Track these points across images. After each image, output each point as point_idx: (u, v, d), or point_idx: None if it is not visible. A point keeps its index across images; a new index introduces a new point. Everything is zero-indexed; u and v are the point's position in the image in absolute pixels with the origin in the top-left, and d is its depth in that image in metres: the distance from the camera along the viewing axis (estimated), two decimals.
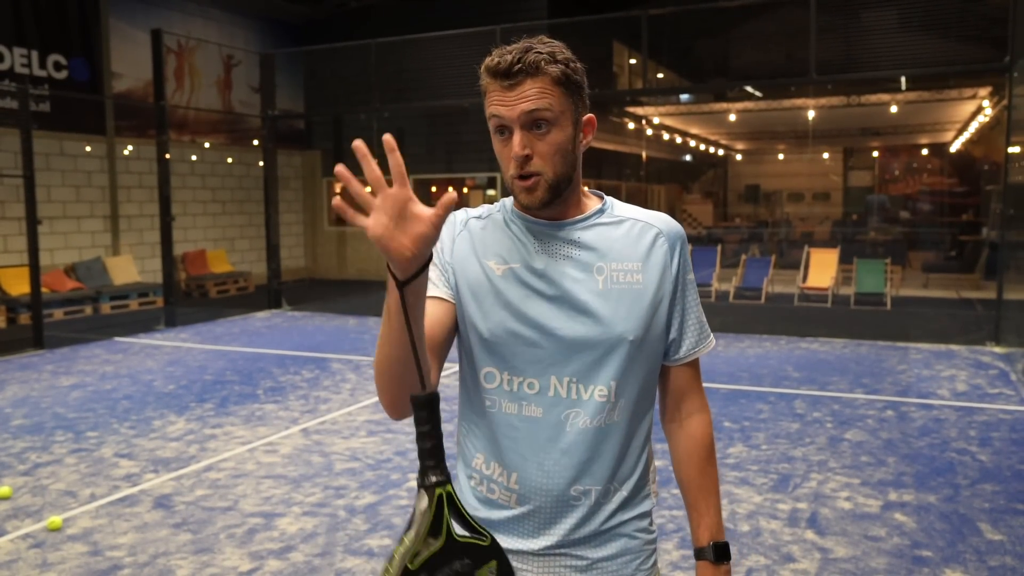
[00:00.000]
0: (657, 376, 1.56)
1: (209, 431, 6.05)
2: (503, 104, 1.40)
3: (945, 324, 10.49)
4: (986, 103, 14.76)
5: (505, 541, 1.50)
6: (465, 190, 17.38)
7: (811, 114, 16.81)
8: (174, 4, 14.79)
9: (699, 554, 1.55)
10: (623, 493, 1.50)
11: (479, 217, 1.56)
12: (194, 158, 15.19)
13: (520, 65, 1.38)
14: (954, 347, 9.14)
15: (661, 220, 1.54)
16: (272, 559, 3.89)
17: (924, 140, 21.49)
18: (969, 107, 15.94)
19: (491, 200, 17.50)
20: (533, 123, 1.39)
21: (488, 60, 1.42)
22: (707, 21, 13.52)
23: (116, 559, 3.89)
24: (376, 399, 7.01)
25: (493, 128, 1.44)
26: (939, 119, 18.39)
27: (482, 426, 1.52)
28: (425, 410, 1.23)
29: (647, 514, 1.56)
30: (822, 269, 12.87)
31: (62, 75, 12.83)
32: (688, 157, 24.35)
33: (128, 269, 13.41)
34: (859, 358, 8.59)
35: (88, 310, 12.26)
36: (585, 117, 1.47)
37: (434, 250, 1.48)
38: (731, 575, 1.53)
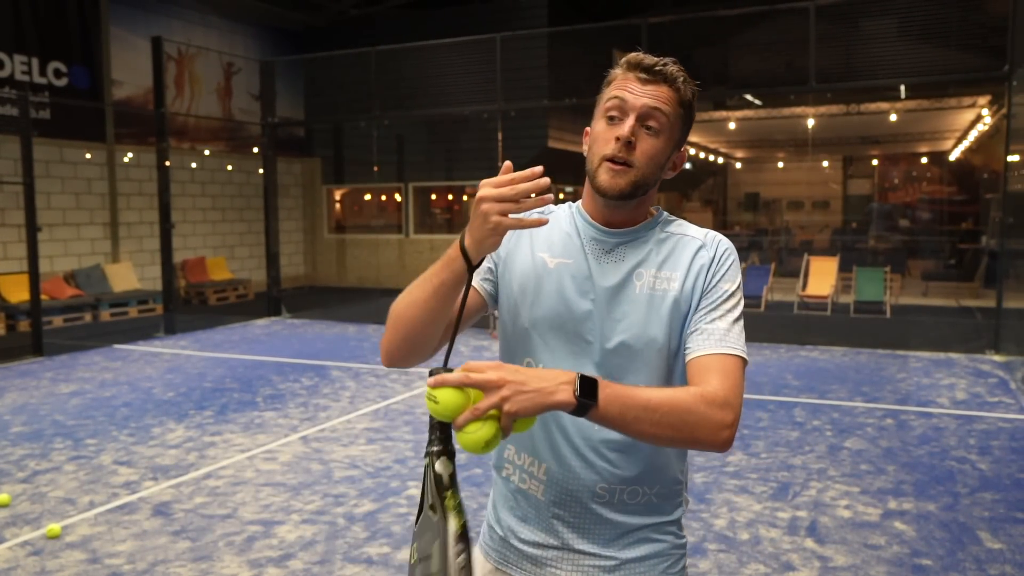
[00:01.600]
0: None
1: (208, 439, 6.04)
2: (632, 92, 1.47)
3: (944, 332, 10.49)
4: (985, 111, 14.80)
5: (536, 535, 1.55)
6: (465, 198, 17.41)
7: (811, 122, 16.86)
8: (174, 12, 14.82)
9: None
10: (651, 497, 1.53)
11: (541, 213, 1.58)
12: (194, 165, 15.21)
13: (663, 68, 1.48)
14: (953, 355, 9.14)
15: (707, 234, 1.58)
16: (271, 567, 3.88)
17: (923, 148, 21.53)
18: (968, 115, 15.98)
19: None
20: (648, 119, 1.47)
21: (629, 55, 1.51)
22: (707, 29, 13.54)
23: (115, 567, 3.88)
24: (375, 406, 7.00)
25: (606, 110, 1.49)
26: (938, 127, 18.42)
27: None
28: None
29: (677, 521, 1.58)
30: (821, 277, 12.88)
31: (62, 82, 12.86)
32: (688, 165, 24.35)
33: (128, 276, 13.41)
34: (858, 366, 8.59)
35: (87, 317, 12.26)
36: (680, 150, 1.56)
37: None
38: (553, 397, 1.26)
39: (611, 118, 1.48)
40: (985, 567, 3.82)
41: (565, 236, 1.57)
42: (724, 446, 1.40)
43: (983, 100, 14.24)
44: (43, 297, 10.92)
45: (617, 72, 1.52)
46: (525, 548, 1.56)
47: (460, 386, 1.25)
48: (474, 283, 1.57)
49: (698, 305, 1.50)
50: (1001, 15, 9.51)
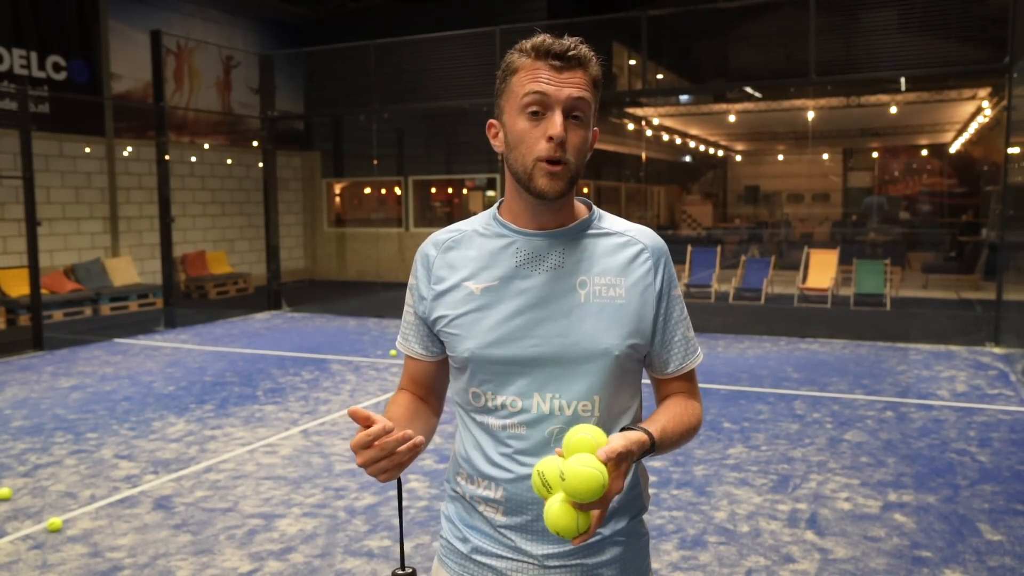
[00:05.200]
0: (639, 389, 1.55)
1: (209, 432, 6.05)
2: (551, 83, 1.38)
3: (945, 325, 10.49)
4: (986, 104, 14.77)
5: (498, 549, 1.50)
6: (464, 191, 17.40)
7: (811, 115, 16.83)
8: (173, 5, 14.80)
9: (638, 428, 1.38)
10: (613, 504, 1.48)
11: (453, 238, 1.54)
12: (193, 159, 15.20)
13: (576, 52, 1.38)
14: (954, 348, 9.15)
15: (646, 235, 1.52)
16: (272, 560, 3.89)
17: (924, 141, 21.50)
18: (969, 108, 15.95)
19: (491, 201, 17.55)
20: (573, 111, 1.39)
21: (534, 40, 1.40)
22: (707, 22, 13.53)
23: (116, 560, 3.89)
24: (375, 400, 7.02)
25: (525, 105, 1.39)
26: (939, 120, 18.40)
27: (469, 442, 1.53)
28: None
29: (639, 518, 1.56)
30: (822, 270, 12.88)
31: (61, 76, 12.84)
32: (688, 158, 24.35)
33: (128, 270, 13.41)
34: (859, 359, 8.59)
35: (88, 311, 12.26)
36: (594, 128, 1.47)
37: (408, 291, 1.58)
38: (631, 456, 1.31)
39: (533, 113, 1.39)
40: (985, 559, 3.83)
41: (488, 255, 1.48)
42: None
43: (983, 92, 14.21)
44: (43, 291, 10.93)
45: (523, 60, 1.41)
46: (487, 560, 1.52)
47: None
48: (414, 354, 1.59)
49: (657, 317, 1.49)
50: (1001, 7, 9.49)
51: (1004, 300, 9.31)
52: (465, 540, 1.55)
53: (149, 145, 12.95)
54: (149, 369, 8.34)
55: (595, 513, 1.26)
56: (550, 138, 1.37)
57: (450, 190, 17.59)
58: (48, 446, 5.73)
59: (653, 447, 1.36)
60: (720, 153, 24.44)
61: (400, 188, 17.01)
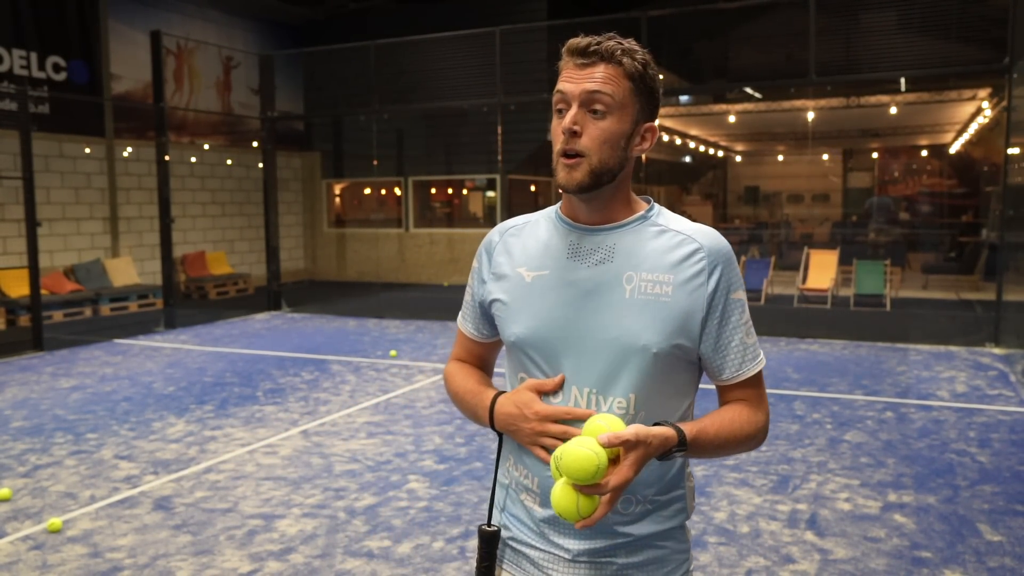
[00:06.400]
0: (688, 392, 1.52)
1: (209, 433, 6.05)
2: (569, 80, 1.44)
3: (944, 325, 10.49)
4: (985, 104, 14.77)
5: (534, 540, 1.53)
6: (464, 191, 17.40)
7: (810, 115, 16.82)
8: (173, 5, 14.80)
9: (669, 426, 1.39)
10: (647, 505, 1.49)
11: (516, 226, 1.62)
12: (193, 160, 15.20)
13: (596, 47, 1.43)
14: (953, 348, 9.14)
15: (706, 236, 1.49)
16: (272, 560, 3.89)
17: (924, 141, 21.49)
18: (968, 108, 15.95)
19: (491, 202, 17.47)
20: (592, 104, 1.42)
21: (569, 41, 1.46)
22: (707, 22, 13.53)
23: (116, 561, 3.89)
24: (375, 400, 7.01)
25: (554, 105, 1.47)
26: (939, 120, 18.39)
27: None
28: (483, 542, 1.56)
29: (678, 528, 1.55)
30: (822, 270, 12.88)
31: (61, 77, 12.84)
32: (688, 158, 24.34)
33: (127, 271, 13.41)
34: (858, 359, 8.59)
35: (87, 312, 12.26)
36: (647, 124, 1.48)
37: (472, 273, 1.66)
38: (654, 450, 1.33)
39: (559, 111, 1.45)
40: (985, 559, 3.83)
41: (543, 245, 1.53)
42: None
43: (983, 93, 14.21)
44: (43, 292, 10.93)
45: (561, 62, 1.48)
46: (523, 549, 1.55)
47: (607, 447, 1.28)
48: (470, 334, 1.69)
49: (707, 320, 1.46)
50: (1001, 7, 9.49)
51: (1004, 301, 9.31)
52: (506, 527, 1.59)
53: (149, 145, 12.94)
54: (149, 370, 8.34)
55: (603, 499, 1.28)
56: (564, 131, 1.43)
57: (450, 191, 17.59)
58: (48, 446, 5.73)
59: (683, 446, 1.36)
60: (720, 154, 24.42)
61: (400, 189, 17.02)
